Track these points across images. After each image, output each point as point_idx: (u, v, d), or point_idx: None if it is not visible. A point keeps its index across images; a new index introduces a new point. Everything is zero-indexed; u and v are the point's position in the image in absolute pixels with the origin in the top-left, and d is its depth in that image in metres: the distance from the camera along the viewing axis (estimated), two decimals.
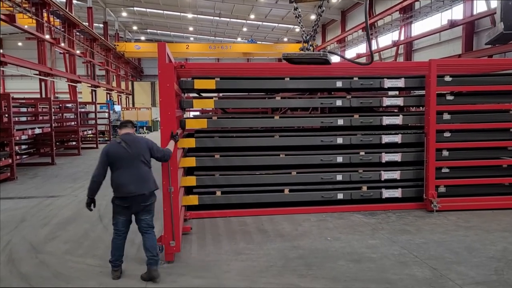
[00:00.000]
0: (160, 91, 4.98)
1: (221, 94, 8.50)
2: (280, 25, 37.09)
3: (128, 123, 4.66)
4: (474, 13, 17.96)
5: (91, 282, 4.37)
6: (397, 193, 7.13)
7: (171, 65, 5.30)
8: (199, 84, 6.81)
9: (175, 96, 5.06)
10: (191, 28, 41.72)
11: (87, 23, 25.89)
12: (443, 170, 7.19)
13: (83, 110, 21.19)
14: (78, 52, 24.16)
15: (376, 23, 25.57)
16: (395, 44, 23.70)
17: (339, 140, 7.13)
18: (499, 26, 4.19)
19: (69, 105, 19.25)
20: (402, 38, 23.39)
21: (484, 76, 7.62)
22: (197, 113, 11.58)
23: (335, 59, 7.39)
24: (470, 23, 18.10)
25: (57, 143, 17.28)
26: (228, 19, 36.29)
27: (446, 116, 7.20)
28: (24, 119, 14.07)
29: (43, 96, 18.20)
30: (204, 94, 7.88)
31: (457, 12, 19.18)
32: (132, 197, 4.39)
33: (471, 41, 18.29)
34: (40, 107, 16.24)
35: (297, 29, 33.23)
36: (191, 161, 6.75)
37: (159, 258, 4.56)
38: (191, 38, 46.32)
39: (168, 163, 4.85)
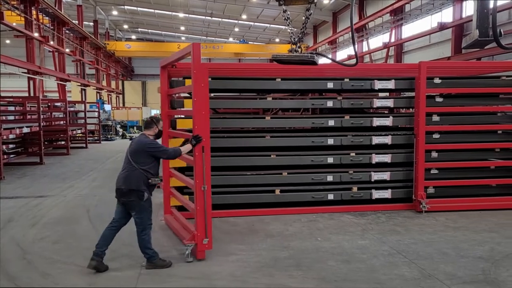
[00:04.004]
0: (194, 91, 4.95)
1: (212, 94, 8.47)
2: (271, 25, 37.12)
3: (149, 124, 4.91)
4: (463, 16, 18.18)
5: (80, 283, 4.34)
6: (386, 194, 7.18)
7: (205, 65, 5.31)
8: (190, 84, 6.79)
9: (208, 96, 5.11)
10: (182, 28, 41.57)
11: (76, 21, 25.65)
12: (432, 171, 7.26)
13: (72, 109, 20.97)
14: (67, 50, 23.93)
15: (367, 25, 25.72)
16: (386, 46, 23.86)
17: (330, 141, 7.17)
18: (474, 33, 4.38)
19: (58, 104, 19.06)
20: (392, 40, 23.57)
21: (472, 78, 7.72)
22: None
23: (324, 60, 7.45)
24: (459, 26, 18.30)
25: (46, 143, 17.10)
26: (219, 19, 36.21)
27: (435, 118, 7.27)
28: (11, 118, 13.87)
29: (32, 94, 18.00)
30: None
31: (446, 15, 19.39)
32: (116, 189, 4.74)
33: (460, 44, 18.48)
34: (28, 106, 16.02)
35: (289, 30, 33.19)
36: (181, 161, 6.72)
37: (152, 255, 4.65)
38: (183, 38, 46.14)
39: (204, 163, 4.85)
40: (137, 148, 4.70)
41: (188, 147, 4.92)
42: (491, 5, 4.32)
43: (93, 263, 4.53)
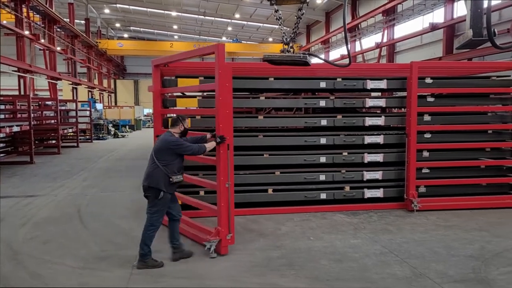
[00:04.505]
0: (220, 91, 5.02)
1: (205, 94, 8.45)
2: (265, 25, 37.15)
3: (174, 122, 4.95)
4: (455, 16, 18.32)
5: (71, 283, 4.30)
6: (379, 193, 7.21)
7: (230, 65, 5.35)
8: (182, 83, 6.77)
9: (232, 96, 5.21)
10: (175, 27, 41.44)
11: (68, 19, 25.46)
12: (424, 171, 7.31)
13: (63, 108, 20.78)
14: (58, 48, 23.74)
15: (359, 25, 25.84)
16: (378, 46, 23.98)
17: (323, 141, 7.19)
18: (468, 33, 4.36)
19: (49, 102, 18.88)
20: (385, 40, 23.69)
21: (463, 78, 7.78)
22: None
23: (317, 61, 7.46)
24: (451, 26, 18.46)
25: (36, 142, 16.96)
26: (213, 18, 36.15)
27: (426, 118, 7.32)
28: (1, 116, 13.73)
29: (22, 93, 17.82)
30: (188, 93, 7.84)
31: (438, 16, 19.53)
32: (142, 186, 4.79)
33: (451, 44, 18.64)
34: (18, 105, 15.89)
35: (281, 30, 33.25)
36: None
37: (146, 254, 4.68)
38: (175, 37, 46.01)
39: (228, 161, 5.05)
40: (161, 145, 4.75)
41: (212, 144, 4.99)
42: (485, 4, 4.31)
43: (176, 256, 4.86)
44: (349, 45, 5.91)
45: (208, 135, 5.30)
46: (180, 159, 4.85)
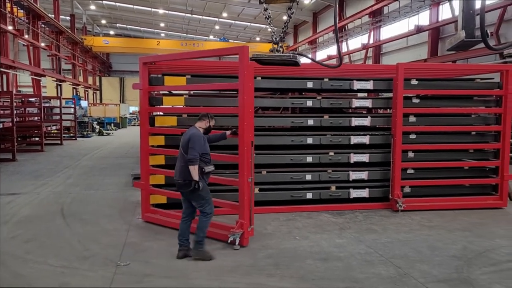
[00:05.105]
0: (245, 90, 5.28)
1: (192, 92, 8.39)
2: (252, 24, 37.15)
3: (202, 116, 5.13)
4: (440, 19, 18.56)
5: (53, 283, 4.23)
6: (364, 193, 7.26)
7: (252, 65, 5.49)
8: (169, 81, 6.71)
9: (253, 95, 5.53)
10: (162, 24, 41.16)
11: (53, 15, 25.07)
12: (409, 171, 7.38)
13: (47, 105, 20.47)
14: (43, 44, 23.37)
15: (346, 26, 26.00)
16: (365, 47, 24.18)
17: (309, 140, 7.20)
18: (460, 33, 4.29)
19: (33, 99, 18.57)
20: (371, 41, 23.88)
21: (448, 80, 7.88)
22: None
23: (305, 61, 7.45)
24: (436, 29, 18.70)
25: (19, 139, 16.68)
26: (200, 17, 36.00)
27: (412, 119, 7.39)
28: None
29: (5, 89, 17.49)
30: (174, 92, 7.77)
31: (423, 18, 19.77)
32: (175, 181, 4.95)
33: (436, 47, 18.89)
34: (1, 101, 15.58)
35: (270, 29, 33.29)
36: (160, 159, 6.65)
37: (202, 241, 4.85)
38: (162, 34, 45.69)
39: (252, 157, 5.42)
40: (186, 139, 4.89)
41: (196, 171, 4.78)
42: (477, 5, 4.27)
43: (180, 254, 4.89)
44: (339, 45, 5.91)
45: (228, 132, 5.56)
46: (205, 148, 4.99)
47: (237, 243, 5.17)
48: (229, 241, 5.21)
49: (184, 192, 4.89)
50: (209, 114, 5.20)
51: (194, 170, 4.75)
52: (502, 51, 12.56)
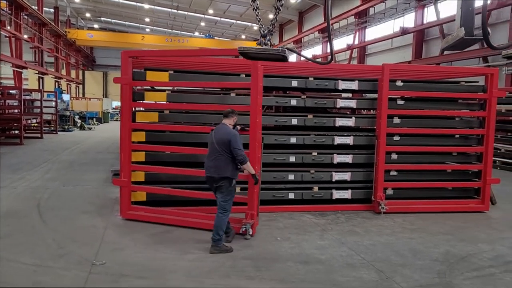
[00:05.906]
0: (257, 89, 5.71)
1: (175, 88, 8.22)
2: (238, 22, 36.99)
3: (228, 113, 5.27)
4: (425, 22, 18.71)
5: (25, 282, 4.06)
6: (347, 194, 7.20)
7: (261, 63, 5.71)
8: (151, 76, 6.55)
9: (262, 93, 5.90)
10: (147, 19, 40.67)
11: (36, 7, 24.50)
12: (392, 173, 7.35)
13: (28, 97, 19.98)
14: (25, 36, 22.83)
15: (332, 26, 26.02)
16: (350, 47, 24.25)
17: (293, 140, 7.11)
18: (459, 31, 4.14)
19: (13, 91, 18.10)
20: (356, 42, 23.97)
21: (433, 83, 7.88)
22: None
23: (292, 57, 7.34)
24: (421, 31, 18.85)
25: None
26: (186, 13, 35.68)
27: (396, 120, 7.37)
28: None
29: None
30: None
31: (409, 20, 19.90)
32: (208, 177, 5.15)
33: (420, 49, 19.05)
34: None
35: (255, 27, 33.23)
36: (140, 156, 6.49)
37: (220, 239, 4.98)
38: (147, 30, 45.19)
39: (261, 153, 5.90)
40: (224, 137, 5.02)
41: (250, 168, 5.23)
42: (476, 4, 4.18)
43: (230, 238, 5.32)
44: (332, 42, 5.86)
45: (238, 127, 5.64)
46: None
47: (250, 232, 5.48)
48: (241, 231, 5.49)
49: (217, 186, 5.06)
50: (234, 110, 5.34)
51: (248, 167, 5.14)
52: (500, 51, 12.68)
